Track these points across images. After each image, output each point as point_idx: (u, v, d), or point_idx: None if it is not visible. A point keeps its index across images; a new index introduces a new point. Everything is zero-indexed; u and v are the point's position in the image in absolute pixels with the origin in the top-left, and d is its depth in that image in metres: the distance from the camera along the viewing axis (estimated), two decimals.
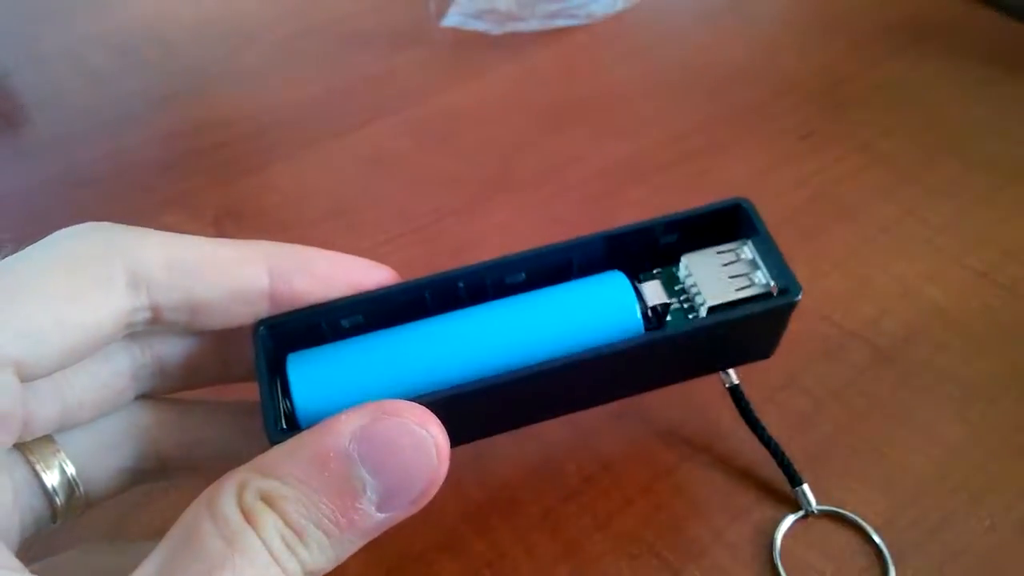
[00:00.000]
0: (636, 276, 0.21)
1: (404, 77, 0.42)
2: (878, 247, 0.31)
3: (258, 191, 0.36)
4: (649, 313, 0.20)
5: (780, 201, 0.33)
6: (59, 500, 0.19)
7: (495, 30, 0.44)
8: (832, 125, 0.37)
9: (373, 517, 0.16)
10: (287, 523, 0.15)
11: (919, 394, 0.26)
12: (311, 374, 0.19)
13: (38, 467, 0.19)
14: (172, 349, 0.21)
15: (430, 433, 0.17)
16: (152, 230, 0.19)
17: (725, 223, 0.21)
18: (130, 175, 0.37)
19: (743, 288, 0.20)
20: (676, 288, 0.21)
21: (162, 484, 0.22)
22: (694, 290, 0.20)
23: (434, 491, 0.17)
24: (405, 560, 0.23)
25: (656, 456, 0.25)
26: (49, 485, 0.19)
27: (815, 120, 0.37)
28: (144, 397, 0.21)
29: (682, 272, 0.21)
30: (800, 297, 0.19)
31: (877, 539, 0.23)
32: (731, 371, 0.24)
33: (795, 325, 0.29)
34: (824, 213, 0.33)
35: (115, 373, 0.20)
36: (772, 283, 0.20)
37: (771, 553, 0.23)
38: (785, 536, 0.23)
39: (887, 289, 0.30)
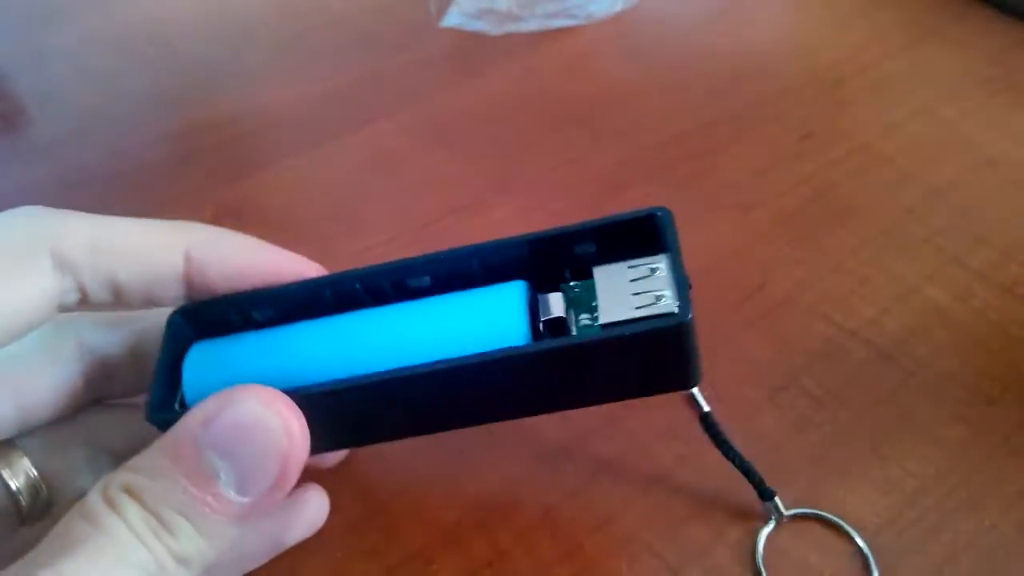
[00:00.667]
0: (552, 288, 0.20)
1: (404, 77, 0.42)
2: (878, 247, 0.31)
3: (258, 191, 0.36)
4: (541, 327, 0.19)
5: (780, 201, 0.33)
6: (24, 502, 0.20)
7: (495, 30, 0.44)
8: (832, 125, 0.37)
9: (236, 501, 0.17)
10: (147, 511, 0.16)
11: (919, 394, 0.26)
12: (203, 362, 0.20)
13: (2, 472, 0.20)
14: (122, 350, 0.22)
15: (276, 413, 0.17)
16: (79, 212, 0.19)
17: (650, 235, 0.20)
18: (130, 175, 0.37)
19: (644, 306, 0.18)
20: (593, 304, 0.19)
21: None
22: (597, 305, 0.19)
23: (294, 470, 0.17)
24: (405, 560, 0.23)
25: (656, 456, 0.25)
26: (13, 487, 0.20)
27: (815, 120, 0.37)
28: (100, 401, 0.22)
29: (596, 286, 0.19)
30: (687, 320, 0.17)
31: (860, 541, 0.23)
32: (700, 398, 0.24)
33: (795, 325, 0.29)
34: (824, 213, 0.33)
35: (69, 378, 0.21)
36: (679, 303, 0.18)
37: (754, 559, 0.23)
38: (768, 546, 0.23)
39: (887, 289, 0.30)
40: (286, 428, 0.17)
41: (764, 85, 0.40)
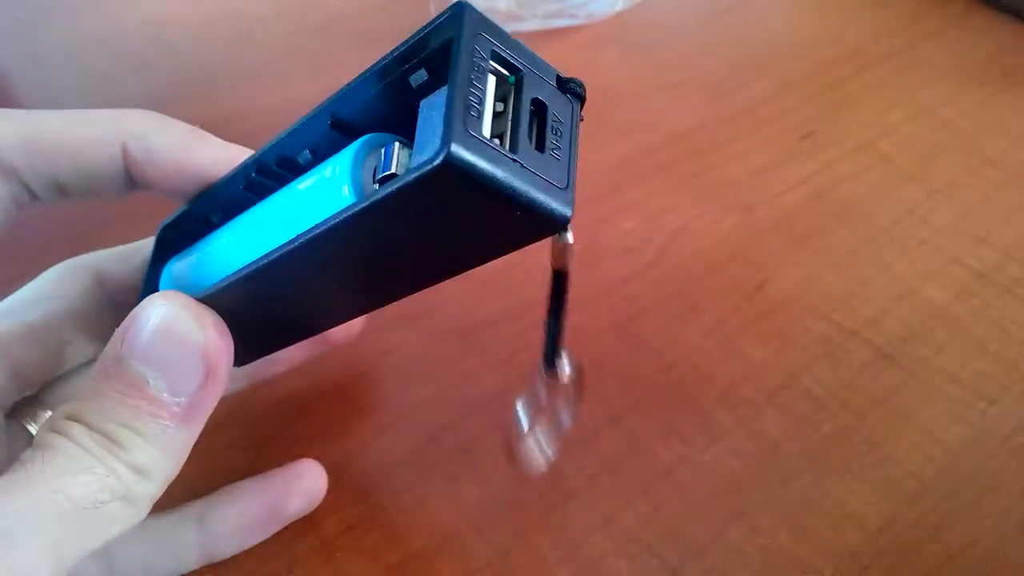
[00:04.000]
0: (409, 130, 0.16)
1: None
2: (878, 247, 0.31)
3: None
4: (376, 183, 0.16)
5: (780, 201, 0.33)
6: None
7: None
8: (832, 125, 0.37)
9: (172, 401, 0.17)
10: (93, 428, 0.16)
11: (919, 394, 0.26)
12: (172, 280, 0.21)
13: (28, 426, 0.20)
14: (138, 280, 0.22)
15: (183, 309, 0.17)
16: (10, 111, 0.19)
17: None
18: None
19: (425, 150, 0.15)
20: None
21: None
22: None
23: (219, 362, 0.18)
24: (405, 560, 0.23)
25: (656, 456, 0.25)
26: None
27: (815, 120, 0.37)
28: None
29: (418, 122, 0.16)
30: (451, 159, 0.13)
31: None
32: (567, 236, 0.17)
33: (795, 325, 0.29)
34: (824, 213, 0.33)
35: (95, 310, 0.21)
36: (441, 141, 0.14)
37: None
38: None
39: (887, 289, 0.30)
40: (199, 323, 0.17)
41: (764, 85, 0.40)
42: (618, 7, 0.45)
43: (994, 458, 0.25)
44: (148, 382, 0.17)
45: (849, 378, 0.27)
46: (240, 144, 0.22)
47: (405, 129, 0.17)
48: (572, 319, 0.30)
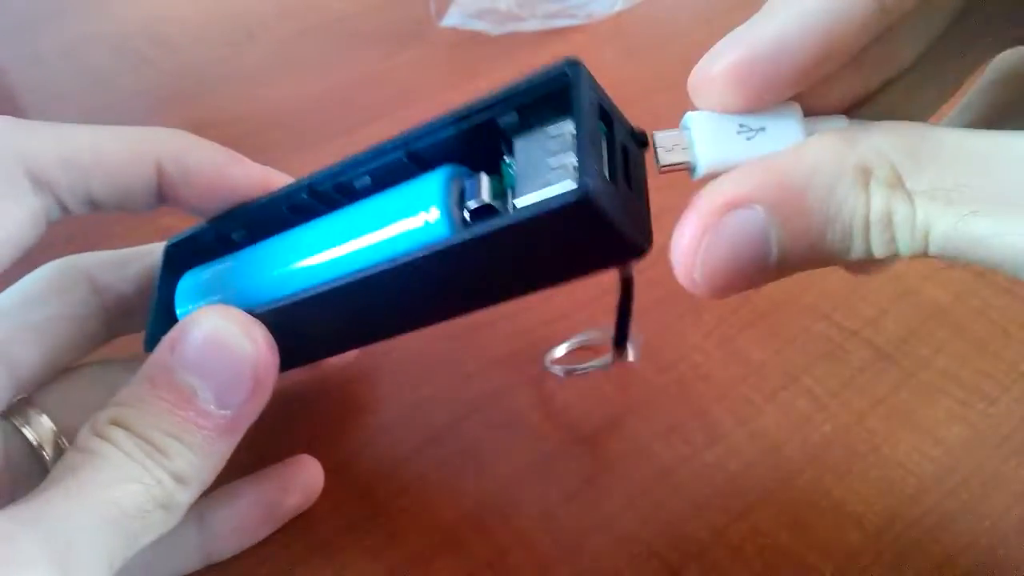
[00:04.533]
0: (490, 170, 0.18)
1: (404, 77, 0.42)
2: None
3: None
4: (467, 216, 0.17)
5: None
6: (48, 454, 0.20)
7: (495, 30, 0.44)
8: None
9: (218, 414, 0.17)
10: (138, 436, 0.17)
11: (919, 394, 0.26)
12: (192, 292, 0.21)
13: (22, 428, 0.20)
14: (132, 288, 0.22)
15: (237, 324, 0.18)
16: (48, 124, 0.20)
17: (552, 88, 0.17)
18: None
19: (554, 183, 0.16)
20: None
21: None
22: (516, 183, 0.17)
23: (267, 378, 0.18)
24: (405, 560, 0.23)
25: (656, 456, 0.25)
26: (34, 441, 0.20)
27: None
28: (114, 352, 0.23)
29: (516, 159, 0.17)
30: (588, 192, 0.15)
31: None
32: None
33: (795, 325, 0.29)
34: None
35: (86, 314, 0.22)
36: (579, 175, 0.16)
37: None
38: None
39: (887, 289, 0.30)
40: (249, 337, 0.18)
41: None
42: (618, 7, 0.45)
43: (994, 458, 0.25)
44: (196, 393, 0.17)
45: (849, 378, 0.27)
46: (235, 145, 0.22)
47: (471, 161, 0.18)
48: (572, 318, 0.30)
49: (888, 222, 0.15)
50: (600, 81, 0.17)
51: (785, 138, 0.16)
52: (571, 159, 0.16)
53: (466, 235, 0.16)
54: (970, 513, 0.23)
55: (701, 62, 0.17)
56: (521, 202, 0.16)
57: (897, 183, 0.15)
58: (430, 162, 0.19)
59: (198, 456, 0.17)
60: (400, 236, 0.18)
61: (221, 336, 0.18)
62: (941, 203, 0.14)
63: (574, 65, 0.16)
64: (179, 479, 0.17)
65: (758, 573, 0.22)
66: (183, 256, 0.21)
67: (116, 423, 0.17)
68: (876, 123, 0.15)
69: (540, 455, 0.25)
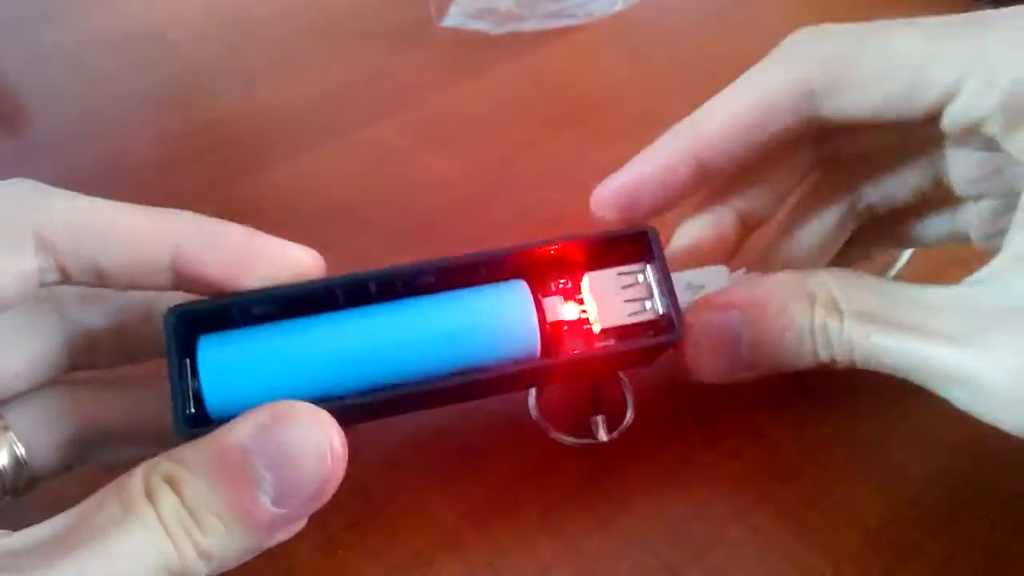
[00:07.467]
0: (540, 285, 0.21)
1: (404, 77, 0.42)
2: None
3: (258, 191, 0.36)
4: (548, 327, 0.21)
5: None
6: (7, 479, 0.20)
7: (495, 30, 0.44)
8: None
9: (268, 510, 0.17)
10: (184, 504, 0.16)
11: (919, 394, 0.26)
12: (220, 362, 0.20)
13: None
14: (105, 325, 0.22)
15: (327, 435, 0.18)
16: (68, 192, 0.19)
17: (632, 245, 0.22)
18: (130, 175, 0.37)
19: (636, 313, 0.21)
20: (576, 298, 0.22)
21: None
22: (591, 309, 0.22)
23: (330, 491, 0.18)
24: (405, 560, 0.23)
25: (656, 456, 0.25)
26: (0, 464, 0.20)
27: None
28: (83, 372, 0.22)
29: (583, 288, 0.22)
30: (679, 337, 0.21)
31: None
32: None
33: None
34: None
35: (49, 346, 0.21)
36: (662, 311, 0.22)
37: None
38: None
39: None
40: (332, 453, 0.18)
41: None
42: (618, 7, 0.45)
43: (994, 458, 0.25)
44: (262, 486, 0.17)
45: (849, 378, 0.27)
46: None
47: (516, 271, 0.22)
48: None
49: (825, 332, 0.21)
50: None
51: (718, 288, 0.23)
52: (645, 296, 0.22)
53: (568, 359, 0.21)
54: (970, 513, 0.23)
55: (598, 187, 0.24)
56: (604, 324, 0.21)
57: (833, 306, 0.21)
58: (492, 270, 0.21)
59: (232, 541, 0.17)
60: (491, 338, 0.20)
61: (310, 444, 0.17)
62: (857, 321, 0.20)
63: (653, 229, 0.22)
64: (205, 555, 0.17)
65: (758, 573, 0.22)
66: (190, 321, 0.20)
67: (170, 482, 0.17)
68: (825, 268, 0.23)
69: (540, 455, 0.25)
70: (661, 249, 0.22)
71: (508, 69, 0.42)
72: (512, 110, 0.40)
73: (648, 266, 0.22)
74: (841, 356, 0.21)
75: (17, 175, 0.20)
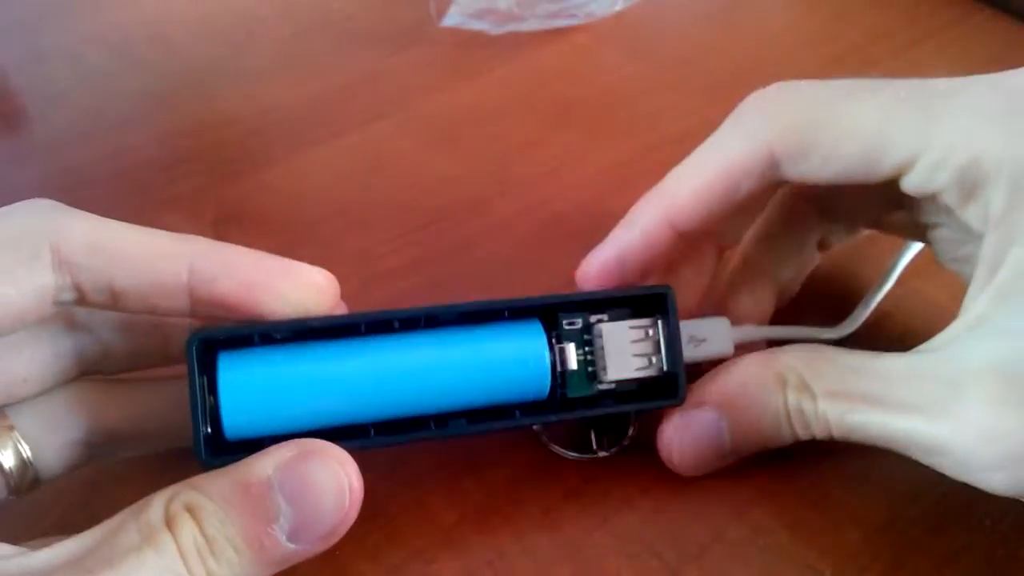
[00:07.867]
0: (552, 325, 0.23)
1: (404, 77, 0.42)
2: (878, 245, 0.31)
3: (258, 191, 0.36)
4: (559, 369, 0.22)
5: None
6: (13, 480, 0.20)
7: (495, 30, 0.44)
8: None
9: (282, 546, 0.18)
10: (202, 532, 0.17)
11: None
12: (241, 386, 0.20)
13: None
14: (115, 334, 0.22)
15: (347, 476, 0.18)
16: (86, 213, 0.20)
17: (645, 301, 0.23)
18: (130, 175, 0.37)
19: (642, 368, 0.23)
20: (585, 338, 0.23)
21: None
22: (601, 357, 0.23)
23: (342, 531, 0.19)
24: (405, 560, 0.23)
25: (656, 456, 0.25)
26: (6, 466, 0.20)
27: None
28: (91, 375, 0.22)
29: (595, 336, 0.23)
30: (678, 400, 0.23)
31: None
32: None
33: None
34: None
35: (58, 354, 0.21)
36: (666, 368, 0.23)
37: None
38: None
39: (887, 289, 0.30)
40: (351, 492, 0.18)
41: (765, 83, 0.39)
42: (618, 7, 0.45)
43: None
44: (279, 520, 0.17)
45: None
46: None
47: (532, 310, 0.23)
48: None
49: (802, 415, 0.22)
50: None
51: (720, 341, 0.25)
52: (652, 352, 0.23)
53: (580, 414, 0.23)
54: (970, 513, 0.23)
55: (584, 263, 0.25)
56: (612, 376, 0.23)
57: (804, 387, 0.21)
58: (511, 309, 0.23)
59: (242, 570, 0.17)
60: (506, 376, 0.22)
61: (332, 483, 0.18)
62: (831, 400, 0.21)
63: (670, 289, 0.23)
64: None
65: (758, 573, 0.22)
66: (210, 344, 0.20)
67: (191, 511, 0.17)
68: (787, 347, 0.23)
69: (540, 455, 0.25)
70: (676, 310, 0.23)
71: (508, 69, 0.42)
72: (512, 110, 0.40)
73: (659, 321, 0.23)
74: (820, 433, 0.22)
75: (17, 175, 0.20)
